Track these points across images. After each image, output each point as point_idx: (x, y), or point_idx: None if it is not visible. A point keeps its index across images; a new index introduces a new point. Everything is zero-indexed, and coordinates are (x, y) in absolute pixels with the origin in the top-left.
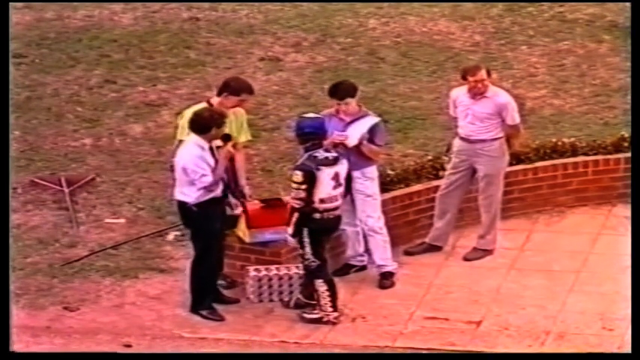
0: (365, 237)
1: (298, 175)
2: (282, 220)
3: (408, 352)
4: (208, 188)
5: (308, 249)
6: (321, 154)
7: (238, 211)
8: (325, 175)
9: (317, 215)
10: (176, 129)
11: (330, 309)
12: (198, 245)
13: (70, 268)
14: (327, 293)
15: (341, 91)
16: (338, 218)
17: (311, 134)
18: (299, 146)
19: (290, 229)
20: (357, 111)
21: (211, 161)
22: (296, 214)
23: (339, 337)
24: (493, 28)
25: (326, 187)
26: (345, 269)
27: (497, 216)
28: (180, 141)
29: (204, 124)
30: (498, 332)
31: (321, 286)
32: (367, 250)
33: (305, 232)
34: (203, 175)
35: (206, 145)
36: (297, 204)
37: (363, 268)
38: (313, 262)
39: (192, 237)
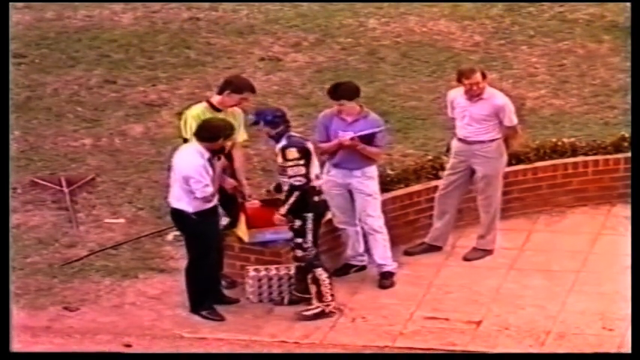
0: (365, 236)
1: (293, 151)
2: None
3: (407, 352)
4: (207, 198)
5: (310, 236)
6: (295, 134)
7: (224, 221)
8: (313, 150)
9: (316, 198)
10: (178, 129)
11: (330, 297)
12: (193, 250)
13: (70, 268)
14: (328, 281)
15: (339, 91)
16: (326, 201)
17: (281, 117)
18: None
19: (283, 209)
20: (358, 111)
21: (211, 171)
22: (296, 194)
23: (339, 337)
24: (493, 28)
25: (316, 162)
26: (345, 269)
27: (496, 216)
28: (185, 140)
29: (215, 134)
30: (498, 332)
31: (322, 274)
32: (367, 250)
33: (310, 217)
34: (206, 186)
35: (206, 154)
36: (298, 181)
37: (363, 268)
38: (312, 250)
39: (187, 242)
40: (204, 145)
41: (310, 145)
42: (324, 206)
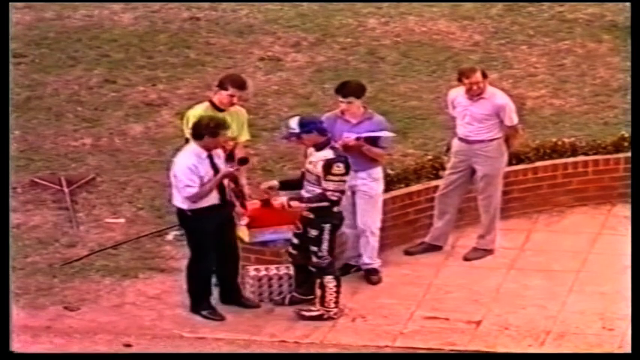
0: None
1: (341, 167)
2: (282, 220)
3: (408, 351)
4: (191, 199)
5: (325, 245)
6: (335, 145)
7: (244, 222)
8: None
9: (335, 209)
10: (178, 129)
11: (333, 305)
12: (191, 247)
13: (70, 268)
14: (335, 289)
15: (347, 89)
16: (342, 212)
17: (325, 126)
18: (300, 144)
19: (303, 203)
20: (362, 112)
21: (204, 171)
22: (325, 204)
23: (339, 337)
24: (493, 27)
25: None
26: (345, 269)
27: (496, 216)
28: (187, 140)
29: (198, 131)
30: (498, 332)
31: (330, 282)
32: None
33: (327, 228)
34: (187, 186)
35: (203, 154)
36: (336, 196)
37: (359, 268)
38: (327, 258)
39: (187, 239)
40: (197, 143)
41: (350, 160)
42: (340, 217)
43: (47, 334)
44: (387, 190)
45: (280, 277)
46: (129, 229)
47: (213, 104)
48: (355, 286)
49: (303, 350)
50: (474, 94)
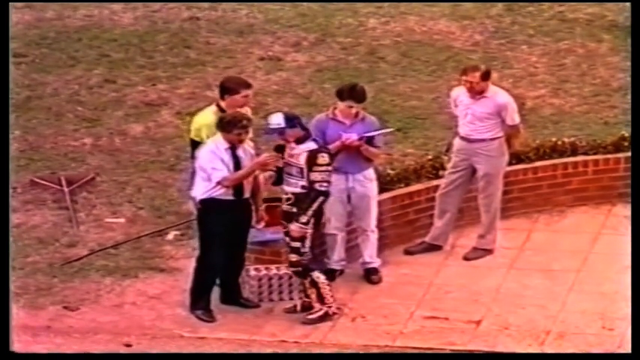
0: (358, 236)
1: (325, 157)
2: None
3: (407, 351)
4: (224, 184)
5: (308, 242)
6: (316, 137)
7: (260, 226)
8: None
9: (319, 202)
10: (177, 129)
11: (331, 299)
12: (199, 242)
13: (70, 268)
14: (327, 282)
15: (359, 94)
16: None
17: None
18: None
19: (305, 217)
20: (354, 114)
21: (226, 159)
22: (321, 200)
23: (339, 337)
24: (493, 27)
25: None
26: (331, 274)
27: (497, 215)
28: (191, 140)
29: (216, 124)
30: (498, 332)
31: (319, 276)
32: (349, 249)
33: (312, 222)
34: (214, 169)
35: (223, 145)
36: (324, 187)
37: (342, 271)
38: (309, 255)
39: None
40: (222, 135)
41: (345, 163)
42: (322, 211)
43: (47, 334)
44: (387, 190)
45: (280, 277)
46: (129, 228)
47: (220, 108)
48: (355, 286)
49: (303, 350)
50: (475, 93)
